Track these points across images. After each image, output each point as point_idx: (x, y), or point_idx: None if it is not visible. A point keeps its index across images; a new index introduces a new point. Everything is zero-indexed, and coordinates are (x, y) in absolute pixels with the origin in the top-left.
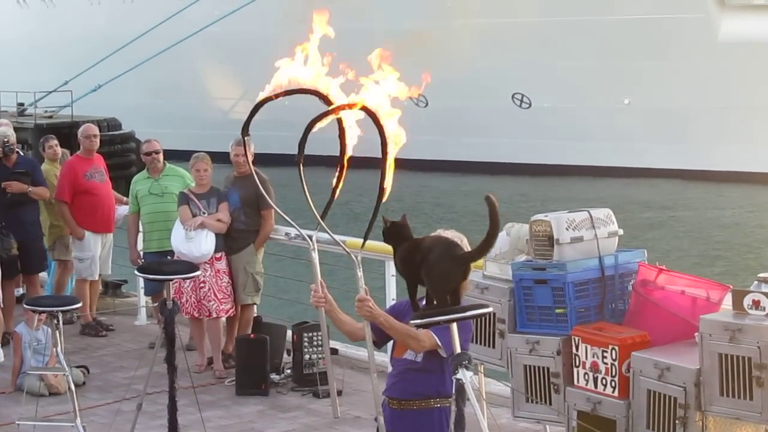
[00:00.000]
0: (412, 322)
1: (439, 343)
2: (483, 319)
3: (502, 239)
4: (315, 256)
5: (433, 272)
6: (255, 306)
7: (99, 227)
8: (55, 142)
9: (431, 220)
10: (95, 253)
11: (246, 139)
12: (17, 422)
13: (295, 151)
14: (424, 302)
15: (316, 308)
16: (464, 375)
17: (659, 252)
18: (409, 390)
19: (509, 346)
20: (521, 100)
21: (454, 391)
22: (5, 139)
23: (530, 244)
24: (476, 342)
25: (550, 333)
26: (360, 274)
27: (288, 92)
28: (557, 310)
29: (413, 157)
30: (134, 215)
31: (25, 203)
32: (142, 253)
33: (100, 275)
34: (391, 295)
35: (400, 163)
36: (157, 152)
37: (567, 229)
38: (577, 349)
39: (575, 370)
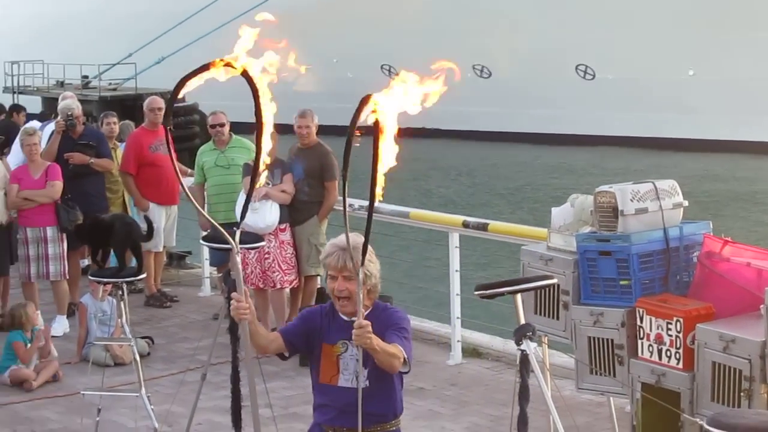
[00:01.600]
0: (477, 293)
1: (408, 358)
2: (547, 290)
3: (566, 210)
4: (237, 260)
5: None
6: (318, 277)
7: (163, 199)
8: (114, 119)
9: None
10: (159, 225)
11: (169, 129)
12: (83, 392)
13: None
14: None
15: (238, 321)
16: (528, 346)
17: (724, 224)
18: (365, 418)
19: (573, 318)
20: (585, 72)
21: (518, 362)
22: (69, 112)
23: (594, 215)
24: (540, 314)
25: (614, 305)
26: (360, 294)
27: (194, 73)
28: (621, 282)
29: (476, 128)
30: (199, 186)
31: (89, 175)
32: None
33: (164, 247)
34: (455, 266)
35: (463, 135)
36: (222, 125)
37: (632, 200)
38: (641, 321)
39: (639, 342)
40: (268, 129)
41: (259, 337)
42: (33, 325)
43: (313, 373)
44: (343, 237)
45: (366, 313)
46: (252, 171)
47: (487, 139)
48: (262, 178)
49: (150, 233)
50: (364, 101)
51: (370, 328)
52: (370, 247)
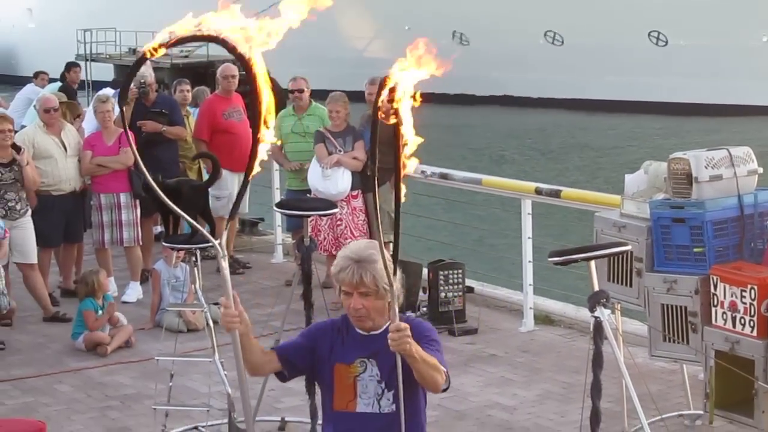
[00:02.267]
0: (550, 260)
1: (446, 370)
2: (620, 257)
3: (640, 177)
4: (224, 265)
5: None
6: (390, 244)
7: (236, 166)
8: (187, 87)
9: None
10: (232, 192)
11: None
12: (156, 358)
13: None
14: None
15: (227, 331)
16: (602, 313)
17: None
18: None
19: (646, 285)
20: (657, 38)
21: (592, 329)
22: (141, 80)
23: (668, 182)
24: (613, 281)
25: (687, 272)
26: (395, 305)
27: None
28: (695, 249)
29: (549, 96)
30: (278, 148)
31: (162, 142)
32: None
33: (237, 214)
34: (527, 233)
35: (536, 102)
36: (301, 90)
37: (706, 167)
38: (715, 289)
39: (713, 309)
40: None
41: (252, 354)
42: (104, 291)
43: (325, 399)
44: (356, 246)
45: (385, 326)
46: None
47: (560, 107)
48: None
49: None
50: (382, 84)
51: (409, 332)
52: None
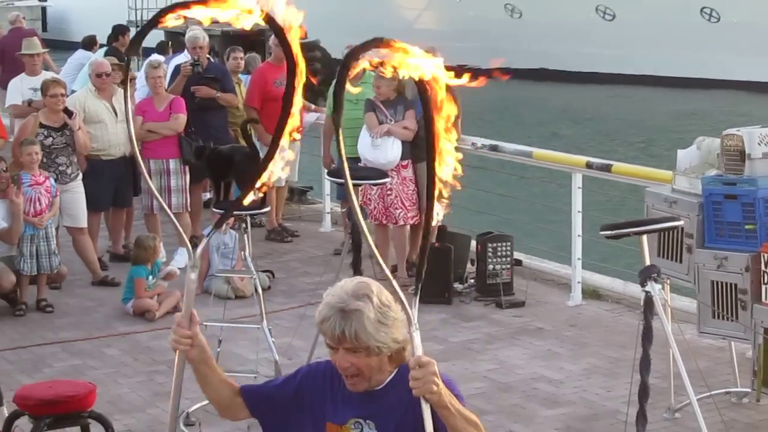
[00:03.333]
0: (602, 233)
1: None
2: (670, 233)
3: (692, 153)
4: (193, 275)
5: None
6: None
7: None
8: (240, 54)
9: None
10: (278, 159)
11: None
12: (205, 324)
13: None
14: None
15: (172, 350)
16: (653, 288)
17: None
18: None
19: (696, 262)
20: (710, 14)
21: (642, 304)
22: (195, 57)
23: (721, 158)
24: (663, 256)
25: (738, 249)
26: (416, 333)
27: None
28: (747, 226)
29: (600, 71)
30: (330, 119)
31: (213, 109)
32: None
33: (286, 182)
34: (577, 207)
35: (590, 77)
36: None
37: (759, 143)
38: (766, 266)
39: (763, 287)
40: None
41: (210, 387)
42: (157, 257)
43: None
44: (342, 290)
45: (389, 379)
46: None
47: (611, 82)
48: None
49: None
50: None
51: (435, 369)
52: (392, 298)
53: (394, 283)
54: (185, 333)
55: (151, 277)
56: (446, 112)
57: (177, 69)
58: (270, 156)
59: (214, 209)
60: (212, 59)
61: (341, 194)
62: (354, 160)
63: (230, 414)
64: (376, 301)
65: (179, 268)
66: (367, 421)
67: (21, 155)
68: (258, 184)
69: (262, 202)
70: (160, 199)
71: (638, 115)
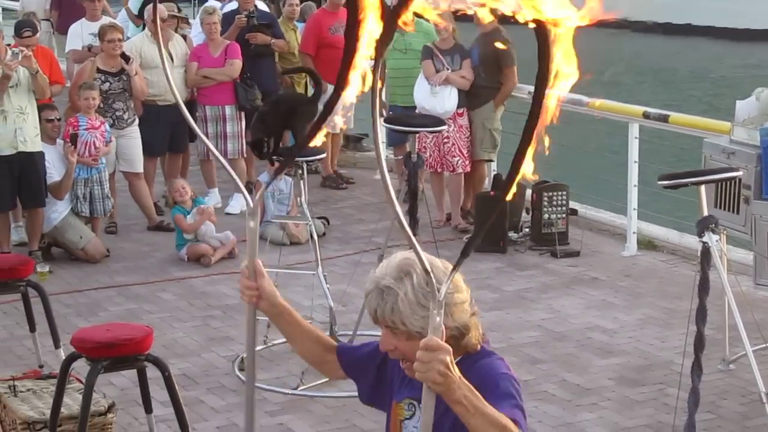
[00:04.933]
0: (660, 183)
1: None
2: (728, 184)
3: (751, 104)
4: (253, 223)
5: None
6: (492, 163)
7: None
8: (296, 1)
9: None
10: (337, 107)
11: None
12: None
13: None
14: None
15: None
16: (710, 238)
17: None
18: None
19: (754, 213)
20: None
21: (699, 255)
22: (251, 8)
23: None
24: (720, 207)
25: None
26: (437, 312)
27: None
28: None
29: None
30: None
31: (266, 55)
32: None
33: (341, 129)
34: (634, 157)
35: (646, 27)
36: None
37: None
38: None
39: None
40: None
41: (294, 339)
42: (186, 197)
43: None
44: (386, 263)
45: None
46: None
47: (670, 33)
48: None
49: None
50: None
51: (445, 356)
52: (456, 275)
53: (423, 255)
54: (249, 284)
55: (189, 216)
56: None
57: (227, 16)
58: (331, 105)
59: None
60: (263, 4)
61: (393, 141)
62: (409, 108)
63: (325, 371)
64: (418, 280)
65: (234, 213)
66: (420, 405)
67: (79, 99)
68: (319, 133)
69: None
70: (212, 147)
71: (698, 66)
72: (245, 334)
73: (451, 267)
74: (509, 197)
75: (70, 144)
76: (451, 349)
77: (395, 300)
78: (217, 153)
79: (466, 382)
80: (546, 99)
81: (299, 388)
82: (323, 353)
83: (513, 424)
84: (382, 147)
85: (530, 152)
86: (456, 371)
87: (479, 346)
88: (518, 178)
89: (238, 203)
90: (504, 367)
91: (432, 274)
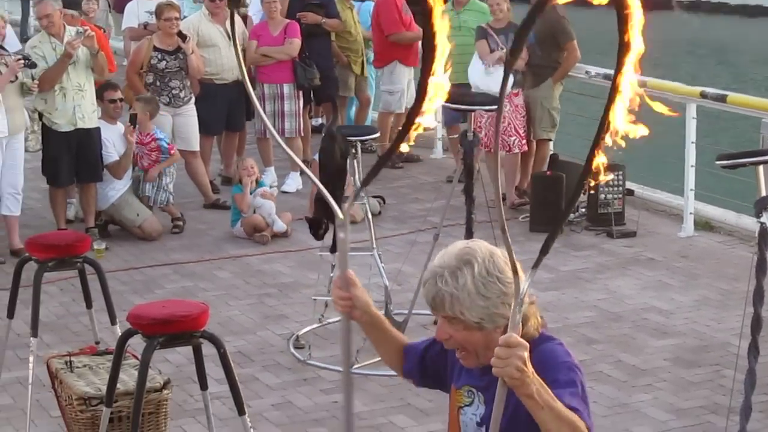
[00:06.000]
0: (718, 163)
1: (591, 428)
2: None
3: None
4: (344, 234)
5: None
6: (550, 142)
7: (410, 60)
8: None
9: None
10: (404, 86)
11: None
12: (320, 254)
13: None
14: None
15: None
16: None
17: None
18: None
19: None
20: None
21: (757, 235)
22: None
23: None
24: None
25: None
26: (518, 308)
27: None
28: None
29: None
30: None
31: (320, 35)
32: None
33: (405, 108)
34: (691, 138)
35: (716, 7)
36: None
37: None
38: None
39: None
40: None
41: (380, 348)
42: (252, 178)
43: None
44: (445, 251)
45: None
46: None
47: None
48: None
49: None
50: None
51: (523, 353)
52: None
53: (487, 247)
54: (341, 294)
55: (250, 197)
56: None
57: None
58: (422, 97)
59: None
60: None
61: (448, 120)
62: (463, 86)
63: (401, 374)
64: (479, 270)
65: (290, 192)
66: (479, 393)
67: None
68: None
69: (372, 128)
70: (269, 125)
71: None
72: (340, 337)
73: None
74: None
75: (129, 124)
76: (527, 346)
77: (454, 290)
78: (274, 131)
79: (538, 377)
80: (625, 79)
81: (354, 367)
82: (401, 357)
83: (579, 420)
84: (439, 126)
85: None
86: (530, 367)
87: (538, 333)
88: (595, 163)
89: (294, 182)
90: (565, 354)
91: (496, 268)
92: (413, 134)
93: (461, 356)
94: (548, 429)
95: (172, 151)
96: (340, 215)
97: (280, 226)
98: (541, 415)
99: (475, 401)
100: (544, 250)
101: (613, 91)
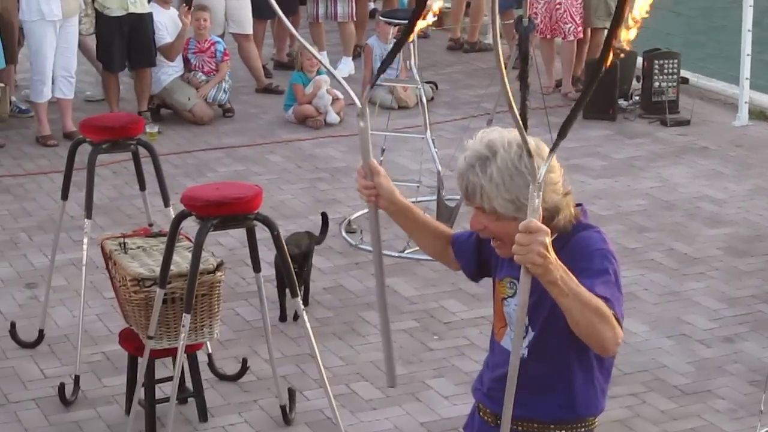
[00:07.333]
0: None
1: (619, 320)
2: None
3: None
4: (363, 123)
5: None
6: (605, 30)
7: None
8: None
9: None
10: None
11: None
12: (372, 133)
13: None
14: None
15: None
16: None
17: None
18: (520, 408)
19: None
20: None
21: None
22: None
23: None
24: None
25: None
26: (536, 194)
27: None
28: None
29: None
30: None
31: None
32: None
33: None
34: (747, 25)
35: None
36: None
37: None
38: None
39: None
40: None
41: (414, 235)
42: (313, 66)
43: None
44: (474, 139)
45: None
46: None
47: None
48: None
49: None
50: None
51: (544, 238)
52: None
53: (513, 134)
54: (366, 183)
55: (308, 86)
56: None
57: None
58: None
59: (380, 18)
60: None
61: (502, 5)
62: None
63: (446, 263)
64: (504, 158)
65: (343, 76)
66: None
67: (191, 21)
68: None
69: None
70: (284, 19)
71: None
72: (369, 224)
73: (543, 146)
74: (607, 64)
75: (184, 5)
76: (549, 231)
77: (479, 177)
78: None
79: (561, 264)
80: None
81: (405, 251)
82: (444, 245)
83: (605, 306)
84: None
85: (627, 16)
86: (552, 253)
87: (571, 226)
88: (614, 42)
89: (347, 66)
90: (600, 242)
91: (533, 155)
92: (428, 17)
93: (496, 245)
94: (574, 317)
95: (226, 58)
96: (358, 103)
97: (333, 117)
98: (566, 303)
99: (518, 292)
100: (562, 134)
101: None
